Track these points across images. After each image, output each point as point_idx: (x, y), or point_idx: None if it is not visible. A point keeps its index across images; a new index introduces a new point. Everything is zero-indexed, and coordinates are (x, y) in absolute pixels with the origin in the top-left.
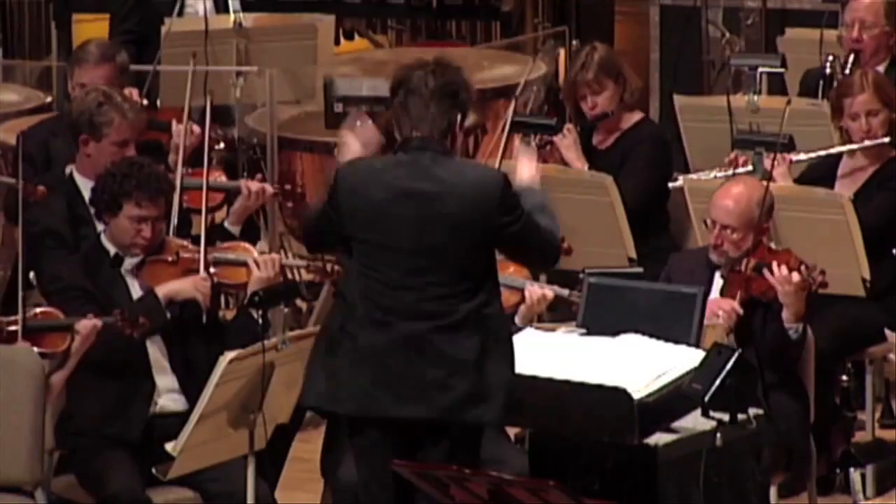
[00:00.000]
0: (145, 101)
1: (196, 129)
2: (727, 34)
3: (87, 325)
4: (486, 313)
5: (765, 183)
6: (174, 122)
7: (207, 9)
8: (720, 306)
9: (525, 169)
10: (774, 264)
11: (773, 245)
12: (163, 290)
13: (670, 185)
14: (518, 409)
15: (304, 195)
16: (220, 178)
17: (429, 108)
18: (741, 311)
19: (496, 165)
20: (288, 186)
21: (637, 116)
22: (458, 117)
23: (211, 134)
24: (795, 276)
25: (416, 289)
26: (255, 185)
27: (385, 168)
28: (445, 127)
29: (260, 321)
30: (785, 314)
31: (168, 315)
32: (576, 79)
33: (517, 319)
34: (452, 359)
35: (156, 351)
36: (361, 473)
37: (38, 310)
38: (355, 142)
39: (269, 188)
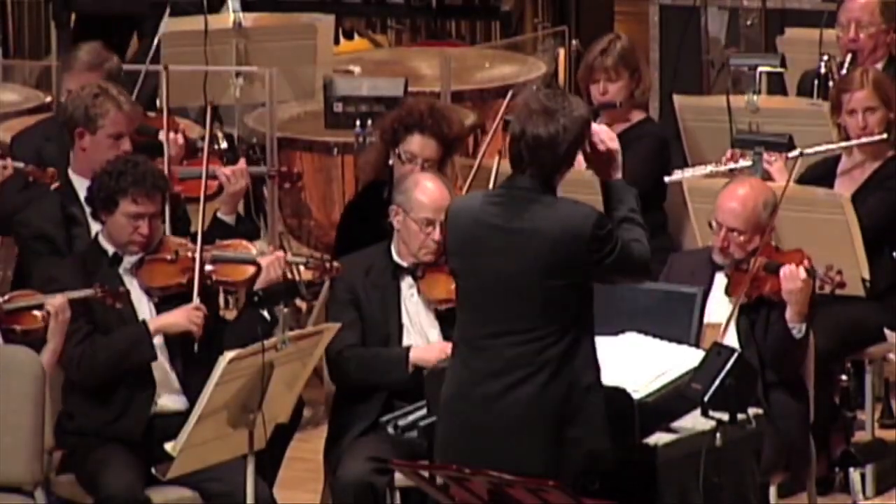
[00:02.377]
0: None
1: (181, 139)
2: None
3: (57, 302)
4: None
5: (769, 183)
6: (161, 131)
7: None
8: None
9: (607, 162)
10: (788, 264)
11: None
12: (155, 324)
13: (667, 179)
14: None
15: (303, 193)
16: (218, 167)
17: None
18: None
19: (495, 166)
20: (284, 168)
21: (640, 116)
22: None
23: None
24: (802, 274)
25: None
26: (227, 170)
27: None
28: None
29: (269, 319)
30: (788, 313)
31: (155, 351)
32: (593, 63)
33: None
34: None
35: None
36: None
37: (14, 293)
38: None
39: (243, 167)
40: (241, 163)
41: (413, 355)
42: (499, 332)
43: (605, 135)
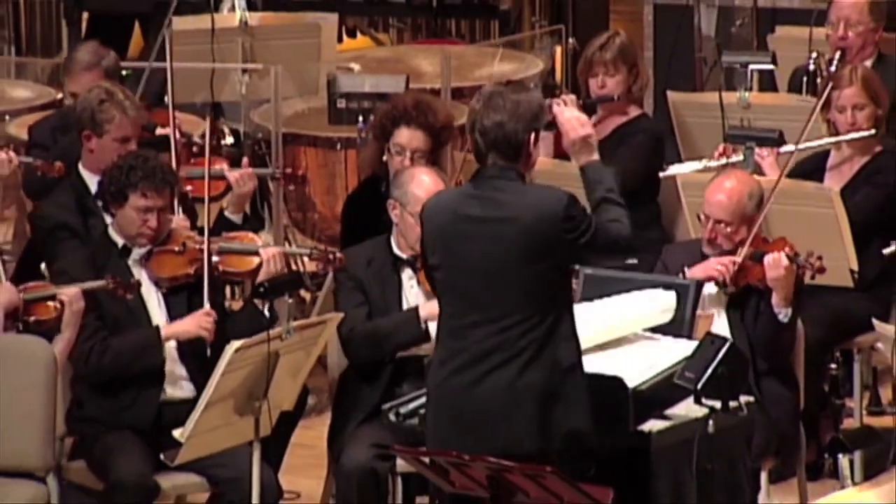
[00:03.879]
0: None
1: (176, 134)
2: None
3: (70, 291)
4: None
5: (756, 177)
6: (158, 129)
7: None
8: (719, 262)
9: (573, 129)
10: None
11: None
12: (168, 331)
13: (661, 174)
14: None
15: (307, 187)
16: (223, 167)
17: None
18: (738, 260)
19: None
20: (289, 170)
21: (637, 111)
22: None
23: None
24: (784, 260)
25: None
26: (236, 172)
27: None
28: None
29: (267, 313)
30: (774, 299)
31: (164, 356)
32: (593, 57)
33: None
34: (516, 390)
35: None
36: None
37: (27, 284)
38: None
39: (249, 170)
40: (247, 167)
41: (423, 312)
42: (481, 320)
43: (576, 121)
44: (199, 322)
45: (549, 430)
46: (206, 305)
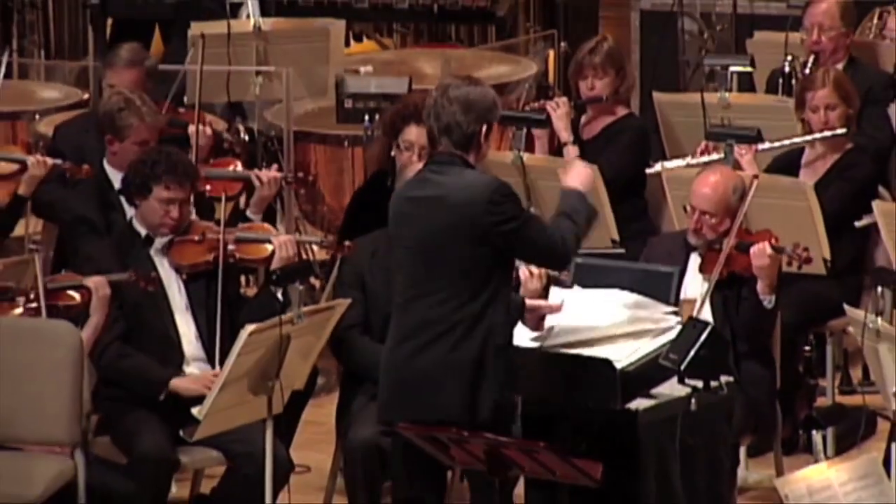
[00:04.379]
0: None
1: (209, 130)
2: (705, 31)
3: (96, 280)
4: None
5: (738, 172)
6: (190, 126)
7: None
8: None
9: (574, 175)
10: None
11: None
12: (174, 383)
13: (647, 171)
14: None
15: (317, 183)
16: (237, 168)
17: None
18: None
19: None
20: (301, 174)
21: (624, 111)
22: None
23: (235, 127)
24: (769, 250)
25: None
26: (265, 175)
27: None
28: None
29: (281, 298)
30: (759, 286)
31: (161, 398)
32: (583, 61)
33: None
34: (449, 363)
35: (184, 324)
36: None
37: (57, 275)
38: None
39: (278, 175)
40: (276, 172)
41: None
42: (419, 294)
43: (581, 168)
44: (205, 384)
45: (476, 402)
46: (217, 368)
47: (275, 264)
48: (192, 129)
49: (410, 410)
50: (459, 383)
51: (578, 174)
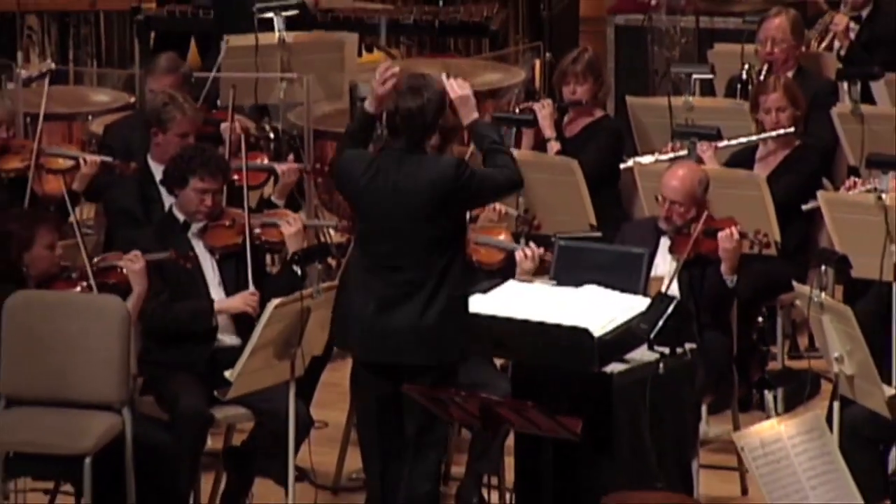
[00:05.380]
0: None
1: (238, 128)
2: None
3: (130, 256)
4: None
5: (703, 167)
6: (222, 124)
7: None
8: None
9: (465, 109)
10: (724, 229)
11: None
12: (219, 306)
13: (621, 165)
14: (502, 344)
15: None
16: (264, 160)
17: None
18: None
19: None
20: (318, 165)
21: (601, 113)
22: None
23: (261, 126)
24: (736, 235)
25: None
26: (284, 167)
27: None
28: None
29: (300, 276)
30: (723, 267)
31: (214, 323)
32: (566, 69)
33: (516, 274)
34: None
35: (217, 297)
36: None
37: (105, 255)
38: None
39: (296, 166)
40: (293, 163)
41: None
42: (390, 264)
43: (455, 85)
44: (245, 300)
45: (443, 344)
46: (251, 287)
47: (293, 246)
48: (224, 126)
49: (386, 357)
50: (427, 334)
51: (465, 103)
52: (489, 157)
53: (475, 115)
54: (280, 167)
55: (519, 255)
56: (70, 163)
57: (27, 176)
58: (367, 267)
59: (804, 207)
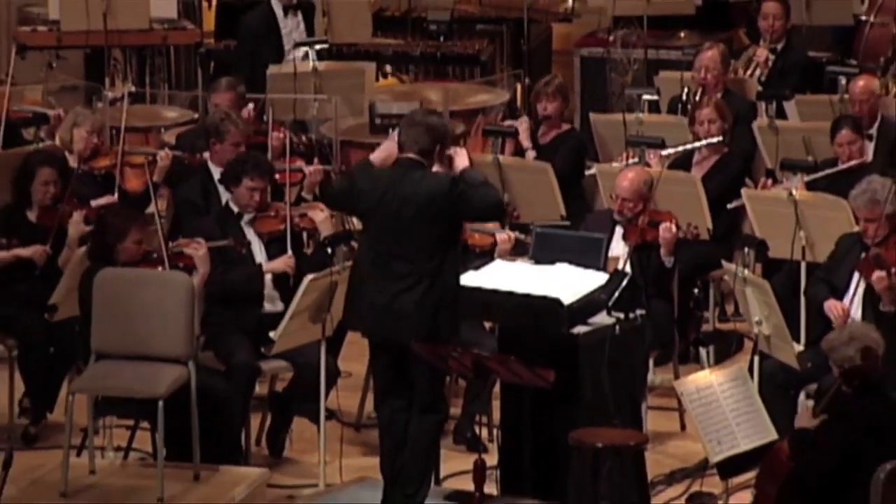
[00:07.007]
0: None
1: (280, 136)
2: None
3: (195, 243)
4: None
5: (648, 169)
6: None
7: (303, 57)
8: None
9: (460, 161)
10: (663, 221)
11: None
12: (266, 267)
13: (587, 172)
14: (490, 310)
15: None
16: (301, 165)
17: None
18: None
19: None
20: (343, 167)
21: (568, 126)
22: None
23: (299, 137)
24: (673, 227)
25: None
26: (310, 168)
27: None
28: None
29: (330, 255)
30: (662, 251)
31: (264, 283)
32: (540, 90)
33: (496, 255)
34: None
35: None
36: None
37: (177, 241)
38: (391, 145)
39: (320, 167)
40: (318, 164)
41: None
42: (393, 259)
43: (463, 155)
44: (286, 262)
45: (436, 326)
46: (290, 251)
47: (324, 230)
48: (271, 135)
49: (391, 330)
50: (425, 317)
51: (461, 157)
52: (479, 188)
53: (466, 163)
54: (307, 169)
55: (500, 237)
56: (148, 158)
57: (114, 174)
58: (374, 261)
59: (729, 206)
